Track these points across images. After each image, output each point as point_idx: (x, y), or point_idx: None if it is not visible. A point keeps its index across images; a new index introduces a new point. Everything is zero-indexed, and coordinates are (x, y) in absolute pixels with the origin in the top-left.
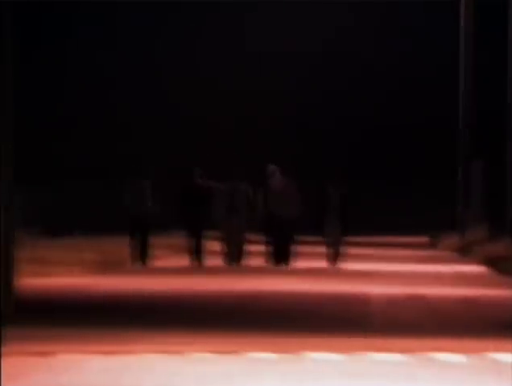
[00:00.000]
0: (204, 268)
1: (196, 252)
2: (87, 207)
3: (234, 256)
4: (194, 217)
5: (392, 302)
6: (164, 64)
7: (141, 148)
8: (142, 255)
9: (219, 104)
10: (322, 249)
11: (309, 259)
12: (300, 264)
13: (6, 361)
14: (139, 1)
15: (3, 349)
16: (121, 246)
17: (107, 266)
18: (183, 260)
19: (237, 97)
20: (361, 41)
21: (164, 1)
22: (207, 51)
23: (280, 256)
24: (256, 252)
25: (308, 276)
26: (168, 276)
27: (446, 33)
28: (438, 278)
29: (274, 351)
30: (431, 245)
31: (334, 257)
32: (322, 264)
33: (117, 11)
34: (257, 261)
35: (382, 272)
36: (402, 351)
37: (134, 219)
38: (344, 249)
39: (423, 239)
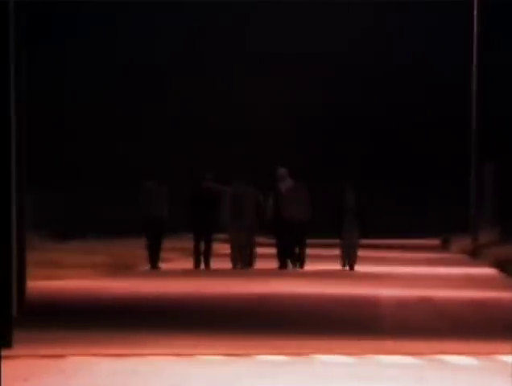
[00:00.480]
0: (211, 272)
1: (204, 256)
2: (98, 210)
3: (242, 259)
4: (202, 220)
5: (402, 305)
6: (165, 64)
7: (144, 149)
8: (154, 258)
9: (220, 105)
10: (334, 252)
11: (320, 261)
12: (311, 266)
13: (17, 363)
14: (141, 1)
15: (14, 351)
16: (131, 249)
17: (117, 269)
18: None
19: (240, 99)
20: (366, 41)
21: (165, 0)
22: (207, 51)
23: (290, 259)
24: (265, 254)
25: (318, 278)
26: (178, 279)
27: (457, 34)
28: (448, 281)
29: (283, 354)
30: (443, 247)
31: (350, 260)
32: (333, 266)
33: (118, 11)
34: (266, 264)
35: (393, 274)
36: (411, 353)
37: (146, 221)
38: (359, 252)
39: (435, 241)
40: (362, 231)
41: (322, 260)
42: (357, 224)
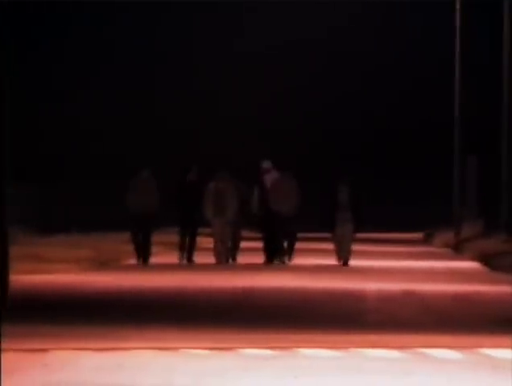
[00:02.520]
0: (196, 266)
1: (188, 250)
2: (83, 205)
3: (226, 254)
4: (187, 214)
5: (387, 299)
6: (158, 63)
7: (134, 147)
8: (144, 252)
9: (215, 105)
10: (322, 246)
11: (308, 256)
12: (298, 260)
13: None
14: (131, 1)
15: None
16: (116, 243)
17: (102, 263)
18: (177, 258)
19: (230, 96)
20: (357, 41)
21: (156, 1)
22: (199, 50)
23: (277, 253)
24: (251, 248)
25: (303, 272)
26: (163, 273)
27: (442, 32)
28: (432, 275)
29: (268, 348)
30: (426, 241)
31: (343, 255)
32: (319, 260)
33: (108, 11)
34: (252, 258)
35: (377, 268)
36: (397, 347)
37: (134, 215)
38: (352, 247)
39: (418, 235)
40: (357, 226)
41: (310, 254)
42: (350, 219)
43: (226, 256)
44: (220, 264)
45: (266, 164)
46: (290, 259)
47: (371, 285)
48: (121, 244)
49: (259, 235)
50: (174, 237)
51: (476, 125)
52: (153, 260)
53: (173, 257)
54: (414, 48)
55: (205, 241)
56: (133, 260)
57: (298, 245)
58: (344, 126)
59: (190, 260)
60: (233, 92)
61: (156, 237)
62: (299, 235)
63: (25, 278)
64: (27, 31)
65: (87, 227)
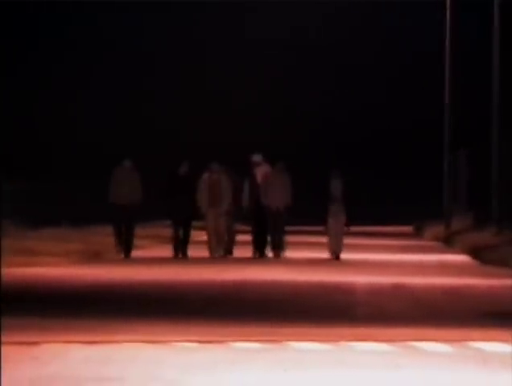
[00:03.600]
0: (189, 259)
1: (182, 243)
2: (73, 199)
3: (220, 247)
4: (180, 208)
5: (377, 292)
6: (157, 62)
7: (128, 144)
8: (126, 245)
9: (210, 100)
10: (315, 239)
11: (300, 249)
12: (289, 253)
13: None
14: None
15: None
16: (105, 237)
17: (91, 257)
18: (167, 251)
19: (227, 86)
20: (344, 40)
21: (156, 1)
22: (197, 50)
23: (262, 247)
24: (244, 242)
25: (294, 266)
26: (152, 266)
27: (430, 31)
28: (422, 268)
29: (258, 341)
30: (416, 235)
31: (335, 249)
32: (311, 254)
33: (107, 11)
34: (243, 251)
35: (367, 261)
36: (386, 340)
37: (116, 207)
38: (343, 240)
39: (408, 228)
40: (348, 219)
41: (302, 248)
42: (343, 212)
43: (221, 249)
44: (214, 257)
45: (256, 157)
46: (282, 253)
47: (361, 279)
48: (110, 237)
49: (250, 228)
50: (161, 230)
51: (466, 121)
52: (141, 253)
53: (161, 250)
54: (404, 47)
55: (198, 234)
56: (116, 254)
57: (290, 239)
58: (336, 124)
59: (184, 254)
60: (228, 91)
61: (144, 230)
62: (293, 228)
63: (15, 271)
64: (27, 31)
65: (77, 221)
